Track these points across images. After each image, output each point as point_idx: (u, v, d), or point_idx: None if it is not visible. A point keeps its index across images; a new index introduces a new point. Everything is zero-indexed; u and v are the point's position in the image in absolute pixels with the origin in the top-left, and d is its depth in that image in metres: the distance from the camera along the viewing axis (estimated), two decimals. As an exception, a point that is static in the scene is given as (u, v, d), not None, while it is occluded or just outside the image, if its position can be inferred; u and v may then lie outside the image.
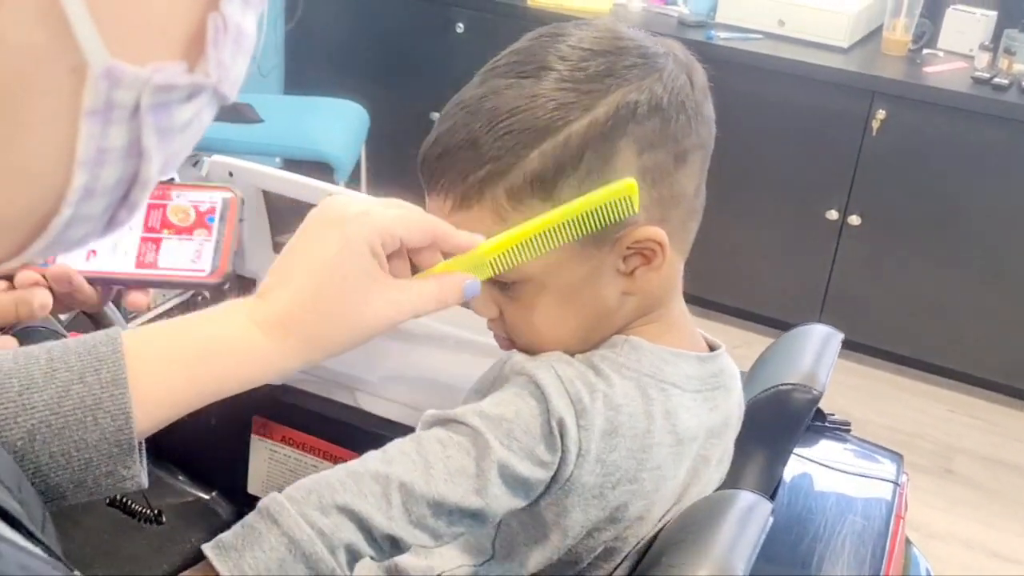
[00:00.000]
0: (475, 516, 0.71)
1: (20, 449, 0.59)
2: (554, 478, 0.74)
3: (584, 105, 0.72)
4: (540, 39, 0.76)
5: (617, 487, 0.75)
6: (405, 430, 1.37)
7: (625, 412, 0.75)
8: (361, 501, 0.68)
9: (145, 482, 0.65)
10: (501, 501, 0.72)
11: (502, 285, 0.77)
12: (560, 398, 0.73)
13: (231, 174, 1.27)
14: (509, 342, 0.81)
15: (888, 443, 1.11)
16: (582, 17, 2.86)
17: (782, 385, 0.85)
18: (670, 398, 0.77)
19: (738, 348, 3.14)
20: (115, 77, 0.34)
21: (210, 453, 1.51)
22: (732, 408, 0.84)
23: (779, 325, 2.88)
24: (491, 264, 0.72)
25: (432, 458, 0.70)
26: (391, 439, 1.34)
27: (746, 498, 0.77)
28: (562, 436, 0.72)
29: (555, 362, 0.76)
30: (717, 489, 0.82)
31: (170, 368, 0.64)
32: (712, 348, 0.86)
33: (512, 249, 0.71)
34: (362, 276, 0.66)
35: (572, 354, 0.78)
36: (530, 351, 0.80)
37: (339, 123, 2.95)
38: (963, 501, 2.45)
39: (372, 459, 0.71)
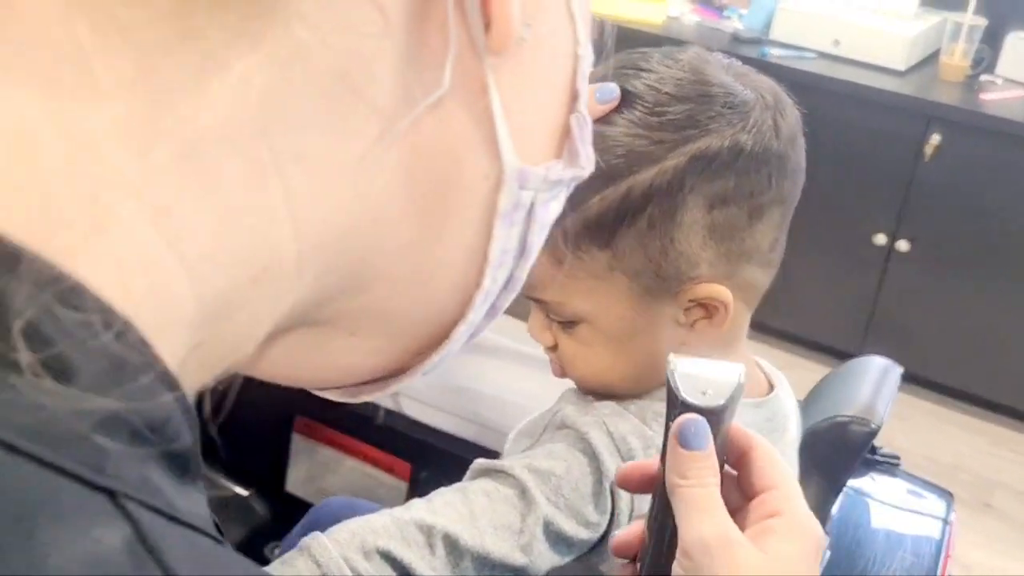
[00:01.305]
0: (518, 572, 0.69)
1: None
2: (603, 537, 0.72)
3: (654, 156, 0.69)
4: (620, 71, 0.72)
5: None
6: (447, 438, 1.37)
7: None
8: (404, 548, 0.66)
9: None
10: (545, 558, 0.70)
11: (560, 321, 0.75)
12: (612, 457, 0.71)
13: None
14: (562, 370, 0.80)
15: (927, 474, 1.10)
16: (635, 28, 2.86)
17: (839, 417, 0.84)
18: None
19: (781, 370, 3.09)
20: (524, 179, 0.35)
21: (252, 450, 1.52)
22: (786, 450, 0.82)
23: (822, 349, 2.86)
24: None
25: (478, 510, 0.69)
26: (433, 445, 1.35)
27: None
28: (613, 496, 0.70)
29: (608, 417, 0.73)
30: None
31: None
32: (771, 384, 0.83)
33: None
34: None
35: (622, 397, 0.76)
36: (580, 384, 0.79)
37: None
38: (1000, 537, 2.41)
39: (417, 507, 0.70)
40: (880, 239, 2.74)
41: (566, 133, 0.38)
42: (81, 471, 0.23)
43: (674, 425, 0.53)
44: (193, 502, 0.27)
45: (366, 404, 1.41)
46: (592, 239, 0.70)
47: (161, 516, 0.25)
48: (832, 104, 2.71)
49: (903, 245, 2.72)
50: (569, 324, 0.75)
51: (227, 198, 0.29)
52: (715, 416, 0.53)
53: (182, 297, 0.28)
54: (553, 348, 0.78)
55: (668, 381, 0.54)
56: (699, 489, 0.52)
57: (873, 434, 0.84)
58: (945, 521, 0.98)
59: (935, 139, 2.60)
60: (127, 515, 0.24)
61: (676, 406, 0.54)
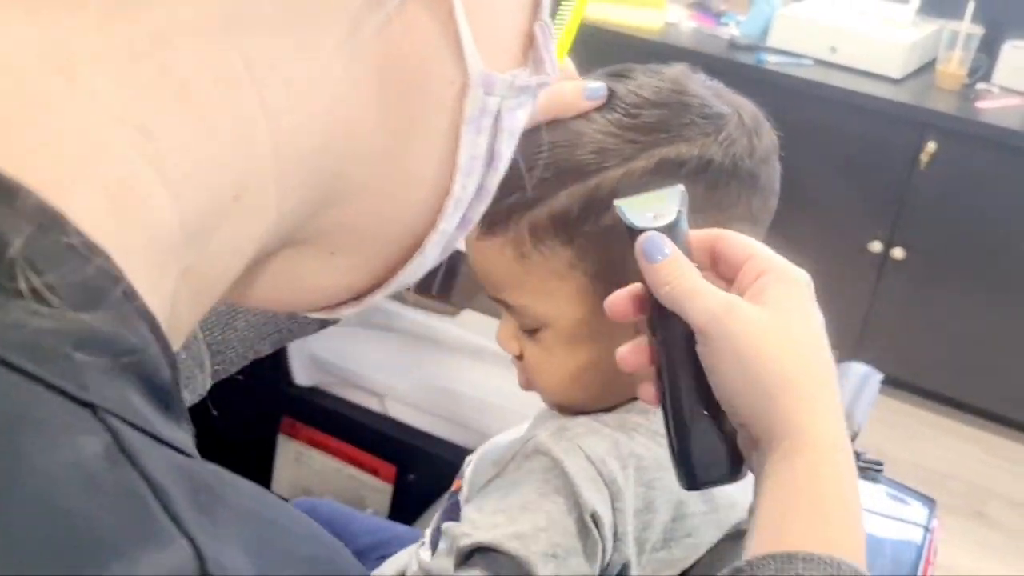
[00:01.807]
0: None
1: None
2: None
3: (624, 155, 0.69)
4: (606, 75, 0.73)
5: (644, 554, 0.72)
6: (432, 440, 1.37)
7: (658, 486, 0.71)
8: None
9: (338, 318, 0.70)
10: None
11: (525, 328, 0.75)
12: (591, 486, 0.68)
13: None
14: (527, 382, 0.78)
15: (920, 483, 1.09)
16: (633, 34, 2.87)
17: (817, 422, 0.84)
18: None
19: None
20: (489, 84, 0.36)
21: (238, 451, 1.51)
22: None
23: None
24: None
25: None
26: (418, 448, 1.35)
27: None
28: (597, 527, 0.68)
29: (583, 438, 0.71)
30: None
31: None
32: None
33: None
34: None
35: (591, 411, 0.75)
36: (546, 397, 0.78)
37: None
38: (993, 546, 2.41)
39: None
40: (875, 246, 2.74)
41: (530, 41, 0.39)
42: (64, 385, 0.24)
43: (637, 247, 0.58)
44: (177, 435, 0.28)
45: (351, 406, 1.41)
46: (556, 234, 0.70)
47: (141, 432, 0.26)
48: (828, 111, 2.72)
49: (898, 253, 2.72)
50: (534, 330, 0.74)
51: (204, 112, 0.30)
52: (670, 232, 0.58)
53: (167, 219, 0.29)
54: (520, 358, 0.77)
55: (619, 218, 0.60)
56: (685, 282, 0.56)
57: (851, 439, 0.84)
58: (926, 528, 0.98)
59: (931, 147, 2.60)
60: (108, 427, 0.25)
61: (633, 236, 0.59)
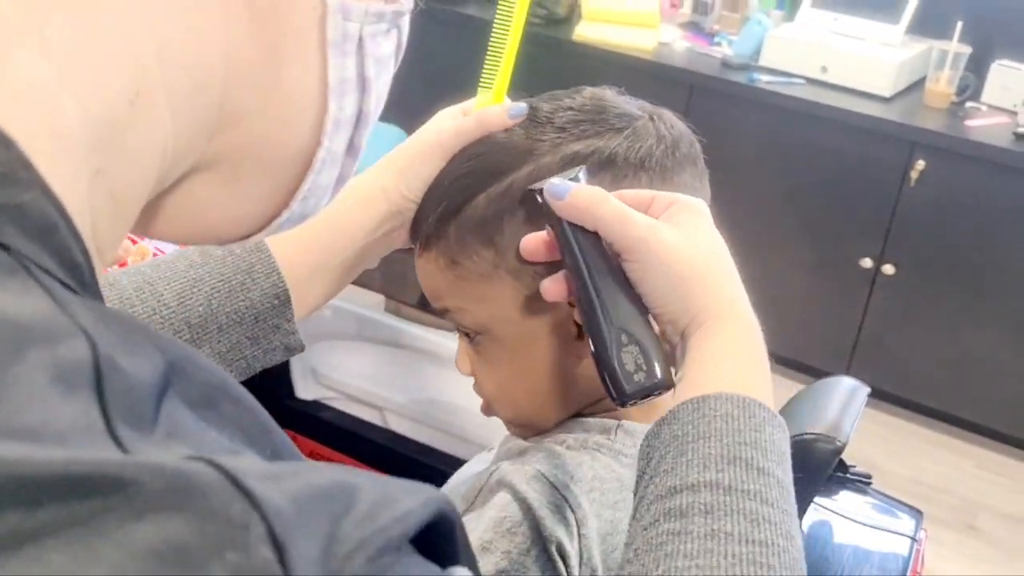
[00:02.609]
0: None
1: (202, 314, 0.67)
2: None
3: (533, 152, 0.72)
4: (535, 99, 0.77)
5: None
6: (431, 452, 1.39)
7: (623, 507, 0.72)
8: None
9: (304, 347, 0.74)
10: None
11: (470, 337, 0.76)
12: (554, 514, 0.68)
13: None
14: (487, 406, 0.79)
15: (912, 497, 1.12)
16: (627, 54, 2.90)
17: (806, 434, 0.86)
18: None
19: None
20: (347, 9, 0.40)
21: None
22: None
23: (807, 370, 2.88)
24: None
25: None
26: (418, 460, 1.37)
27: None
28: (562, 556, 0.68)
29: (544, 463, 0.71)
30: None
31: (300, 231, 0.74)
32: None
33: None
34: None
35: (547, 429, 0.76)
36: (505, 418, 0.78)
37: (378, 144, 2.99)
38: (985, 559, 2.43)
39: None
40: (866, 262, 2.77)
41: None
42: None
43: (545, 195, 0.64)
44: (96, 305, 0.31)
45: (352, 420, 1.43)
46: (477, 237, 0.72)
47: (66, 288, 0.29)
48: (819, 129, 2.75)
49: (889, 268, 2.75)
50: (476, 341, 0.75)
51: (95, 15, 0.33)
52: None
53: (71, 119, 0.32)
54: (473, 376, 0.78)
55: (532, 203, 0.67)
56: (605, 205, 0.62)
57: (838, 451, 0.86)
58: (913, 539, 1.00)
59: (920, 164, 2.64)
60: (37, 280, 0.28)
61: (546, 208, 0.65)
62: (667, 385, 0.62)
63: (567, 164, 0.71)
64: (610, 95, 0.77)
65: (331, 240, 0.74)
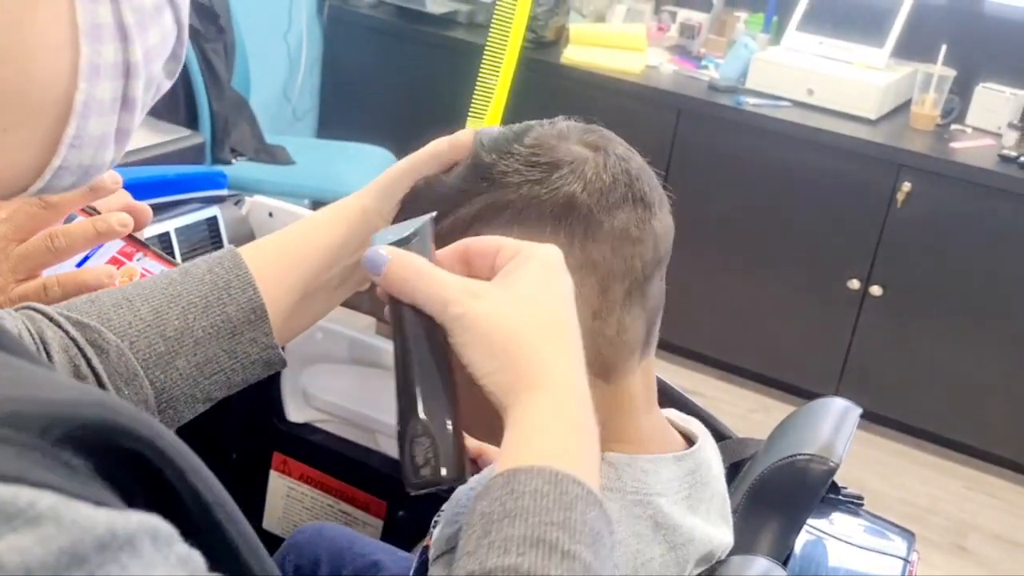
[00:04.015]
0: None
1: (178, 328, 0.68)
2: None
3: (454, 203, 0.72)
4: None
5: None
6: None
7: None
8: None
9: (285, 362, 0.73)
10: None
11: None
12: None
13: (271, 214, 1.31)
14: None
15: (902, 517, 1.12)
16: (615, 76, 2.92)
17: (799, 455, 0.86)
18: (659, 509, 0.74)
19: (755, 413, 3.12)
20: None
21: (228, 487, 1.53)
22: (714, 498, 0.80)
23: (797, 392, 2.89)
24: None
25: None
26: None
27: (761, 565, 0.78)
28: None
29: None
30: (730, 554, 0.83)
31: (272, 243, 0.75)
32: (690, 440, 0.82)
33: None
34: None
35: None
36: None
37: (368, 168, 3.01)
38: (975, 579, 2.43)
39: None
40: (854, 284, 2.79)
41: None
42: None
43: (360, 267, 0.62)
44: None
45: (343, 442, 1.43)
46: None
47: None
48: (806, 151, 2.78)
49: (876, 290, 2.77)
50: None
51: None
52: (406, 246, 0.62)
53: None
54: None
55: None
56: (420, 281, 0.59)
57: (832, 472, 0.87)
58: (906, 560, 1.00)
59: (906, 186, 2.66)
60: None
61: None
62: (454, 481, 0.58)
63: (483, 215, 0.70)
64: (540, 133, 0.74)
65: (311, 258, 0.75)
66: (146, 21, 0.46)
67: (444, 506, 0.86)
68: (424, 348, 0.60)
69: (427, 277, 0.60)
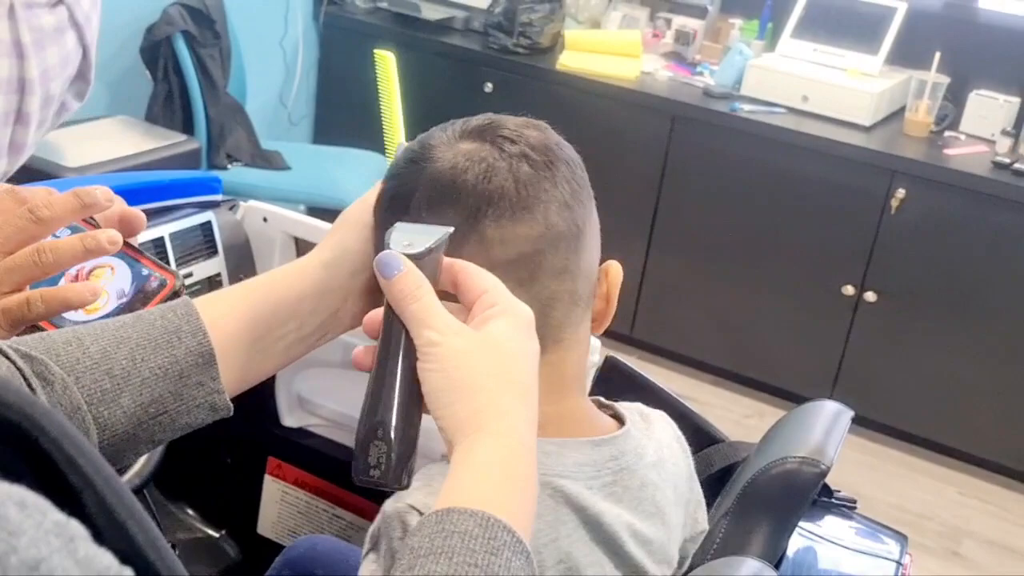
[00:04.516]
0: None
1: (125, 367, 0.69)
2: None
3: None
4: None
5: None
6: (416, 481, 1.39)
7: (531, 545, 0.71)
8: None
9: (231, 409, 0.74)
10: None
11: None
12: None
13: (265, 219, 1.31)
14: None
15: (896, 523, 1.12)
16: (610, 83, 2.93)
17: (790, 458, 0.87)
18: (560, 489, 0.75)
19: (749, 418, 3.12)
20: None
21: (223, 492, 1.53)
22: (644, 486, 0.80)
23: (791, 397, 2.89)
24: None
25: None
26: (403, 489, 1.35)
27: (752, 566, 0.78)
28: None
29: (417, 489, 0.71)
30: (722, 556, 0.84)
31: (230, 294, 0.77)
32: (622, 422, 0.82)
33: None
34: None
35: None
36: None
37: (364, 174, 3.01)
38: (969, 585, 2.44)
39: None
40: (848, 290, 2.79)
41: None
42: None
43: (374, 264, 0.64)
44: None
45: (337, 446, 1.43)
46: None
47: None
48: (800, 158, 2.78)
49: (871, 296, 2.77)
50: None
51: None
52: (419, 260, 0.64)
53: None
54: None
55: (384, 240, 0.66)
56: (416, 304, 0.62)
57: (823, 475, 0.87)
58: (898, 563, 1.01)
59: (900, 193, 2.67)
60: None
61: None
62: (397, 488, 0.62)
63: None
64: (500, 119, 0.79)
65: (268, 311, 0.75)
66: (44, 41, 0.47)
67: None
68: (403, 359, 0.63)
69: (423, 302, 0.62)
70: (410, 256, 0.64)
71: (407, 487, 0.62)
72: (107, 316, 0.79)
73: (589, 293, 0.79)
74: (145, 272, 0.83)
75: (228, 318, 0.74)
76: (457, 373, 0.61)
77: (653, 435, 0.84)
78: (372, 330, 0.66)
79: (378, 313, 0.66)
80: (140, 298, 0.81)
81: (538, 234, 0.76)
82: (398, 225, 0.68)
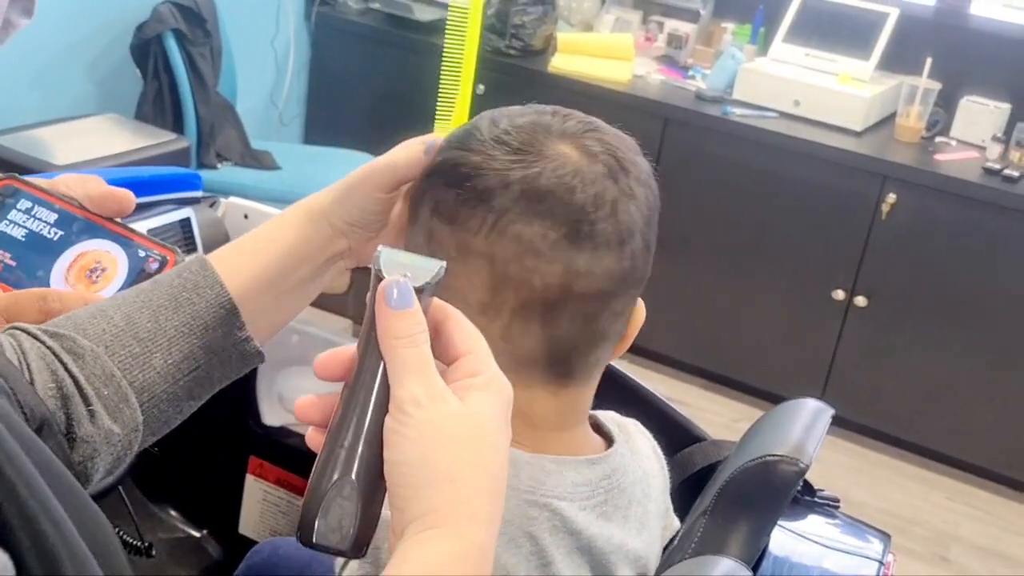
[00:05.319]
0: None
1: (150, 330, 0.69)
2: None
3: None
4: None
5: None
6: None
7: (502, 543, 0.69)
8: None
9: (263, 356, 0.73)
10: None
11: None
12: None
13: (247, 216, 1.30)
14: None
15: (884, 527, 1.11)
16: (602, 86, 2.93)
17: (769, 456, 0.86)
18: (557, 512, 0.73)
19: (739, 422, 3.12)
20: None
21: (205, 492, 1.52)
22: (632, 504, 0.80)
23: (781, 401, 2.87)
24: None
25: None
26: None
27: (726, 565, 0.78)
28: None
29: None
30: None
31: (240, 244, 0.77)
32: (611, 440, 0.81)
33: None
34: None
35: None
36: None
37: (348, 171, 3.00)
38: (957, 591, 2.43)
39: None
40: (839, 294, 2.79)
41: None
42: None
43: (380, 288, 0.55)
44: None
45: (319, 445, 1.42)
46: None
47: None
48: (792, 162, 2.78)
49: (861, 300, 2.77)
50: None
51: None
52: (420, 294, 0.56)
53: None
54: None
55: (372, 266, 0.57)
56: (412, 349, 0.55)
57: (801, 473, 0.86)
58: (880, 562, 1.00)
59: (891, 198, 2.67)
60: None
61: (377, 283, 0.57)
62: (354, 556, 0.55)
63: (431, 171, 0.74)
64: (545, 126, 0.74)
65: (277, 257, 0.76)
66: None
67: None
68: (376, 408, 0.55)
69: (420, 351, 0.56)
70: (418, 289, 0.56)
71: (363, 556, 0.55)
72: None
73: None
74: (142, 253, 0.82)
75: (240, 269, 0.74)
76: (434, 452, 0.53)
77: (635, 449, 0.84)
78: (327, 373, 0.57)
79: (337, 354, 0.57)
80: (143, 279, 0.80)
81: (621, 273, 0.72)
82: (383, 249, 0.58)
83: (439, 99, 0.68)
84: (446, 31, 0.71)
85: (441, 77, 0.69)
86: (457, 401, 0.55)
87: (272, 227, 0.78)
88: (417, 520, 0.53)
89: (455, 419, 0.55)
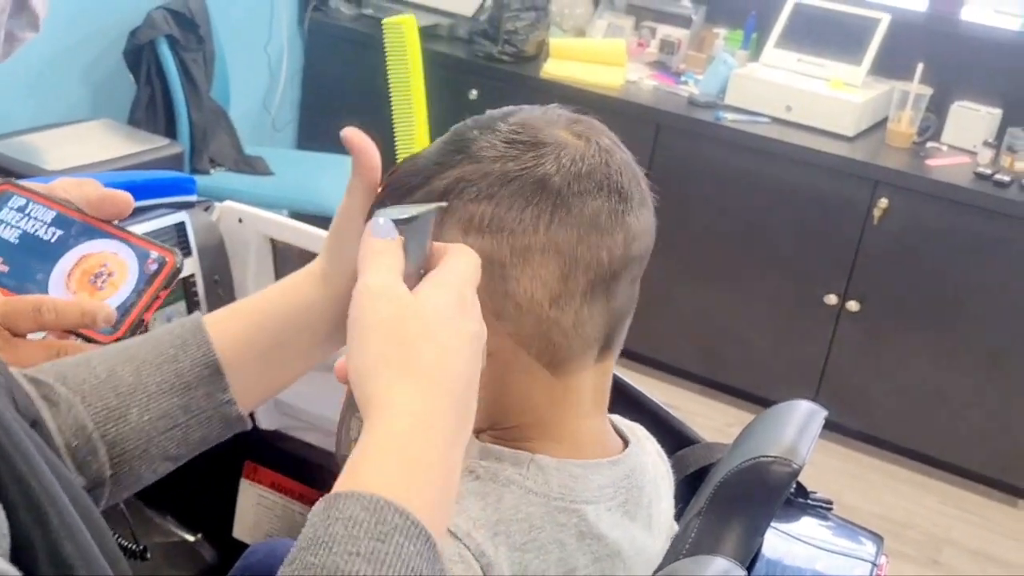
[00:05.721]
0: None
1: (131, 384, 0.68)
2: None
3: (436, 174, 0.73)
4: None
5: None
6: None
7: (532, 548, 0.71)
8: None
9: (249, 423, 0.73)
10: None
11: None
12: (458, 565, 0.67)
13: (241, 220, 1.30)
14: None
15: (876, 531, 1.12)
16: (595, 91, 2.93)
17: (762, 457, 0.87)
18: (584, 518, 0.73)
19: (732, 427, 3.13)
20: None
21: (199, 496, 1.51)
22: (651, 502, 0.81)
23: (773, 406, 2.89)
24: None
25: None
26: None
27: (720, 565, 0.78)
28: None
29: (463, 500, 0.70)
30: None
31: (237, 307, 0.76)
32: (626, 441, 0.82)
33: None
34: None
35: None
36: None
37: (347, 180, 3.00)
38: (950, 594, 2.44)
39: None
40: (831, 299, 2.80)
41: None
42: None
43: (368, 224, 0.61)
44: None
45: (313, 449, 1.42)
46: None
47: None
48: (784, 167, 2.79)
49: (853, 305, 2.78)
50: None
51: None
52: (407, 225, 0.61)
53: None
54: None
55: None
56: (381, 256, 0.59)
57: (795, 474, 0.87)
58: (873, 563, 1.00)
59: (883, 203, 2.68)
60: None
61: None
62: None
63: (454, 188, 0.71)
64: (525, 115, 0.75)
65: (273, 322, 0.74)
66: None
67: None
68: None
69: (386, 255, 0.59)
70: (399, 220, 0.61)
71: None
72: (119, 305, 0.77)
73: None
74: (142, 253, 0.79)
75: (234, 330, 0.72)
76: (360, 343, 0.57)
77: (645, 449, 0.85)
78: (344, 377, 0.60)
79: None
80: (145, 279, 0.78)
81: (655, 228, 0.76)
82: (380, 210, 0.64)
83: (395, 124, 0.68)
84: (386, 53, 0.71)
85: (392, 101, 0.68)
86: (406, 292, 0.58)
87: (270, 293, 0.76)
88: (366, 408, 0.56)
89: (396, 300, 0.57)
